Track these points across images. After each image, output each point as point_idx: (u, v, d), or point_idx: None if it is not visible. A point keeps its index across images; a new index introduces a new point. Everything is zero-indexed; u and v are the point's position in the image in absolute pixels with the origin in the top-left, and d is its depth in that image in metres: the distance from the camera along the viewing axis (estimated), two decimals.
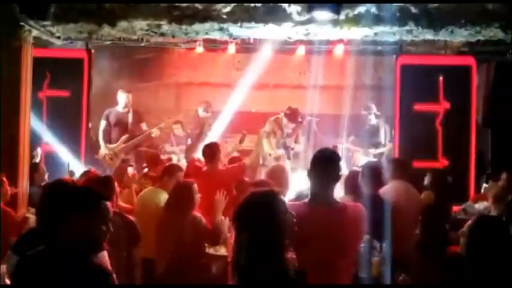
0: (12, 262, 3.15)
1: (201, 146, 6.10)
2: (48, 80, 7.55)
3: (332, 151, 3.28)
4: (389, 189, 5.41)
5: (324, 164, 3.15)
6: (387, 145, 8.20)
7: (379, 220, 4.19)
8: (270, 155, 7.51)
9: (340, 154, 6.57)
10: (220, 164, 5.69)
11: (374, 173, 4.89)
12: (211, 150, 5.65)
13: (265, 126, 8.03)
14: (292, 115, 8.00)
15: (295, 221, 2.52)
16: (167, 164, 6.01)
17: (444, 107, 7.27)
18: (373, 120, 8.45)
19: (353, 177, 4.94)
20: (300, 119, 8.09)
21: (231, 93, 8.92)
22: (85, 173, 5.62)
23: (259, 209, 2.41)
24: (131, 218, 4.51)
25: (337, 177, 3.19)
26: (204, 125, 6.15)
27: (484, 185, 6.09)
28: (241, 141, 7.29)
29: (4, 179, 4.95)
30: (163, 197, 4.99)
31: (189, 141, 8.68)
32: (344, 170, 6.01)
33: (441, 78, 7.28)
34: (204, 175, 5.12)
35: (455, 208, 5.92)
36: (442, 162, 7.21)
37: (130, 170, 6.13)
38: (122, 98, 8.60)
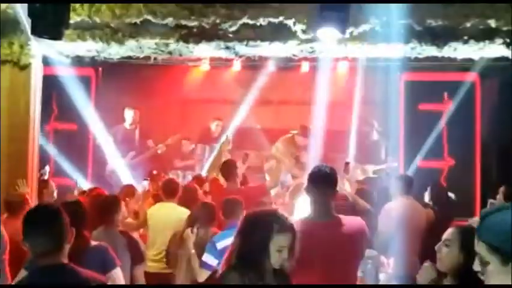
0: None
1: (217, 164, 6.14)
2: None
3: (328, 167, 3.30)
4: (396, 205, 5.45)
5: (322, 180, 3.19)
6: (388, 161, 8.23)
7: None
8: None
9: (349, 170, 6.66)
10: (238, 180, 5.75)
11: None
12: (227, 168, 5.72)
13: (278, 146, 8.11)
14: (305, 132, 8.13)
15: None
16: (165, 180, 6.03)
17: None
18: (375, 136, 8.49)
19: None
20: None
21: (236, 110, 8.99)
22: (90, 191, 5.68)
23: (252, 223, 2.65)
24: (135, 237, 4.59)
25: (335, 192, 3.24)
26: (222, 143, 6.22)
27: (490, 200, 6.10)
28: (244, 162, 7.24)
29: (27, 197, 5.01)
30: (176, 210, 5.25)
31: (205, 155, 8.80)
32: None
33: (445, 94, 7.36)
34: (225, 193, 5.17)
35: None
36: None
37: (146, 184, 6.18)
38: (129, 114, 8.70)
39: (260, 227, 2.62)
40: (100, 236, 4.08)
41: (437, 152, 7.46)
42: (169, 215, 5.26)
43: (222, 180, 5.89)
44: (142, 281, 4.25)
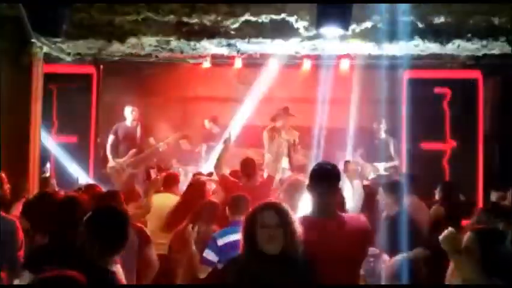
0: (25, 278, 3.17)
1: (225, 160, 6.21)
2: (57, 96, 7.67)
3: (330, 164, 3.26)
4: None
5: (324, 178, 3.17)
6: (397, 159, 8.20)
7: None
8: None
9: (353, 168, 6.66)
10: (258, 177, 5.88)
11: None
12: (251, 167, 5.80)
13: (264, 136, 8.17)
14: (283, 111, 8.18)
15: None
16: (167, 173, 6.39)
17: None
18: (383, 134, 8.47)
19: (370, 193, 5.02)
20: (291, 113, 8.22)
21: (238, 108, 8.98)
22: (86, 188, 5.68)
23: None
24: (139, 224, 4.79)
25: (337, 190, 3.21)
26: (225, 141, 6.28)
27: (493, 192, 6.08)
28: None
29: (2, 175, 4.98)
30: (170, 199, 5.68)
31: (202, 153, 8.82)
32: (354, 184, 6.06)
33: (448, 91, 7.34)
34: (243, 190, 5.21)
35: (464, 222, 5.92)
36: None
37: (152, 174, 6.28)
38: (130, 112, 8.69)
39: (249, 212, 2.85)
40: None
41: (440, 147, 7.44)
42: (165, 203, 5.67)
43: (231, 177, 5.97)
44: (155, 258, 4.56)
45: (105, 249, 2.60)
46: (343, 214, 3.23)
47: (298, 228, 2.81)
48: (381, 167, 8.10)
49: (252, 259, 2.73)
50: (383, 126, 8.39)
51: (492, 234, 2.85)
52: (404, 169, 7.34)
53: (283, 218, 2.78)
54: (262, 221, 2.76)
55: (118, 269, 3.34)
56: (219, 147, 7.81)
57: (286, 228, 2.76)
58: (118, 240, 2.64)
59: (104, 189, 5.63)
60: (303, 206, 4.36)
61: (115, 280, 2.56)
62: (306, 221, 3.14)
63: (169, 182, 6.01)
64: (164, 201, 5.75)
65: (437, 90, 7.42)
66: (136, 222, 4.97)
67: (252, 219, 2.80)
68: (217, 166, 5.98)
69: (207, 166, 8.36)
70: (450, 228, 2.88)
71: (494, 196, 5.92)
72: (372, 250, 4.19)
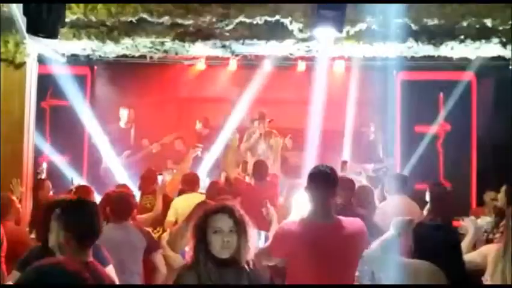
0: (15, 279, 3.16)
1: (232, 160, 6.28)
2: (51, 97, 7.64)
3: (329, 167, 3.29)
4: (390, 204, 5.45)
5: (322, 180, 3.18)
6: (385, 160, 8.23)
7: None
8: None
9: (347, 169, 6.69)
10: (268, 179, 6.05)
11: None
12: (264, 170, 6.03)
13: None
14: (258, 115, 8.31)
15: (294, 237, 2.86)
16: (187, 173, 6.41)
17: (444, 128, 7.39)
18: (371, 136, 8.50)
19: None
20: (267, 119, 8.27)
21: (232, 109, 8.97)
22: (77, 189, 5.68)
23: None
24: (146, 229, 4.82)
25: (335, 193, 3.22)
26: (231, 140, 6.39)
27: (487, 193, 6.11)
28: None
29: (13, 197, 4.94)
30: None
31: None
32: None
33: (441, 93, 7.37)
34: (255, 192, 5.51)
35: (457, 223, 5.94)
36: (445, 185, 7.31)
37: (160, 178, 6.27)
38: (124, 113, 8.69)
39: (200, 215, 2.71)
40: (114, 230, 4.32)
41: (433, 152, 7.47)
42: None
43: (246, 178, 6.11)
44: (162, 264, 4.52)
45: (82, 242, 2.52)
46: (340, 217, 3.24)
47: (251, 233, 2.71)
48: (370, 168, 8.13)
49: (205, 264, 2.62)
50: (372, 128, 8.42)
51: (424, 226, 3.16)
52: (398, 169, 7.37)
53: (237, 223, 2.65)
54: (215, 225, 2.62)
55: (111, 270, 3.34)
56: (219, 149, 7.87)
57: (240, 234, 2.64)
58: (93, 230, 2.58)
59: (96, 190, 5.65)
60: (301, 208, 4.38)
61: (98, 270, 2.49)
62: (303, 223, 3.16)
63: (190, 182, 6.01)
64: (192, 200, 5.67)
65: (431, 91, 7.45)
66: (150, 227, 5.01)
67: (204, 223, 2.65)
68: (224, 168, 6.05)
69: (200, 167, 8.37)
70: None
71: (488, 196, 5.95)
72: (366, 252, 4.21)
